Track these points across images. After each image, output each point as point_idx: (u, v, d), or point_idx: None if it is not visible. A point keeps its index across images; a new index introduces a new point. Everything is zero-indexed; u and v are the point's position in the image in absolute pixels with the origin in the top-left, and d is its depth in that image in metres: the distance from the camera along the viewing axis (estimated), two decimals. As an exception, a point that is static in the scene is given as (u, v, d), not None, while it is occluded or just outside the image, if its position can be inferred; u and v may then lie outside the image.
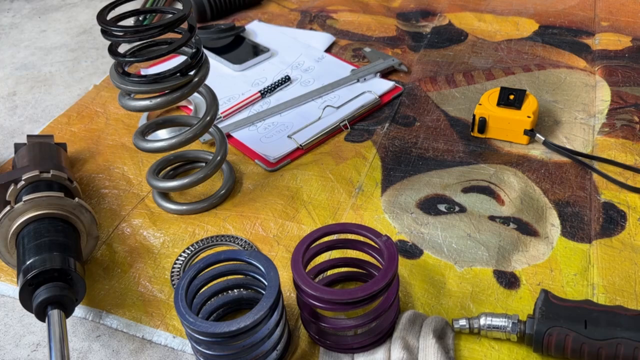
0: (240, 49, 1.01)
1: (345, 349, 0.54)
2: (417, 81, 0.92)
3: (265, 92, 0.90)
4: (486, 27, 1.05)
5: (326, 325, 0.53)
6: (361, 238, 0.56)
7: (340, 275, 0.60)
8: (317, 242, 0.56)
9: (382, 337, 0.54)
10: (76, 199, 0.62)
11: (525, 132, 0.76)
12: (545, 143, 0.76)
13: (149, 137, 0.70)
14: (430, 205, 0.69)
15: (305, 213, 0.70)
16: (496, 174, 0.73)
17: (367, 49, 0.99)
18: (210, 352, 0.49)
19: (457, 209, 0.69)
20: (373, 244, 0.55)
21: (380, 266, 0.54)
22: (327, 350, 0.54)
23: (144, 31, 0.60)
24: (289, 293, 0.60)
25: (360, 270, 0.60)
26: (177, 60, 0.94)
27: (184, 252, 0.66)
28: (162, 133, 0.78)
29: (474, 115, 0.78)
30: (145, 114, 0.87)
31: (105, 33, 0.61)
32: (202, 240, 0.67)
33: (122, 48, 0.65)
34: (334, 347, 0.54)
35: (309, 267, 0.58)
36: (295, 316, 0.58)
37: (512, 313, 0.54)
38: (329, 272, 0.61)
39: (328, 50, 1.01)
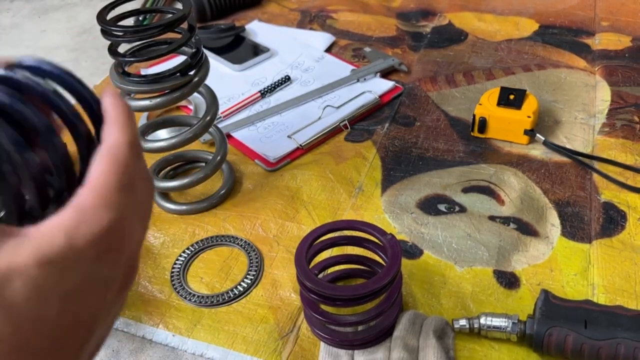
0: (240, 48, 1.01)
1: (346, 345, 0.54)
2: (417, 81, 0.92)
3: (265, 92, 0.90)
4: (486, 27, 1.05)
5: (328, 321, 0.53)
6: (366, 235, 0.56)
7: (344, 272, 0.61)
8: (322, 239, 0.56)
9: (383, 335, 0.54)
10: (76, 199, 0.62)
11: (526, 132, 0.76)
12: (545, 143, 0.76)
13: (149, 137, 0.69)
14: (431, 205, 0.69)
15: (305, 213, 0.70)
16: (496, 174, 0.73)
17: (367, 49, 0.99)
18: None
19: (457, 209, 0.69)
20: (377, 241, 0.55)
21: (384, 264, 0.54)
22: (328, 346, 0.54)
23: (144, 31, 0.60)
24: (288, 293, 0.60)
25: (364, 268, 0.60)
26: (177, 60, 0.94)
27: (183, 252, 0.66)
28: (162, 133, 0.78)
29: (474, 115, 0.78)
30: (145, 114, 0.87)
31: (105, 33, 0.61)
32: (202, 240, 0.67)
33: (122, 48, 0.65)
34: (335, 342, 0.54)
35: (312, 264, 0.58)
36: (297, 312, 0.58)
37: (512, 313, 0.54)
38: (333, 269, 0.61)
39: (328, 50, 1.01)
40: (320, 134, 0.80)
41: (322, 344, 0.55)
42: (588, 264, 0.61)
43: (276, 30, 1.07)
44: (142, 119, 0.86)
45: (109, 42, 0.63)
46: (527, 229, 0.65)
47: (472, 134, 0.79)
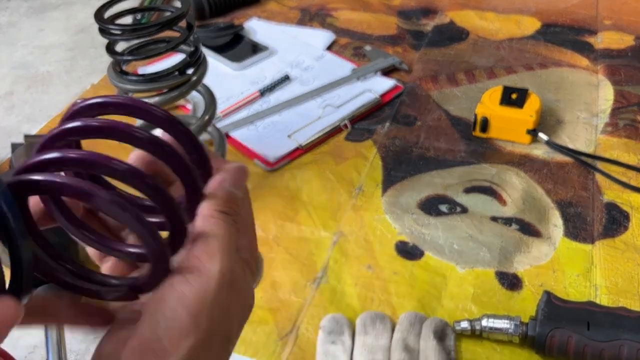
0: (239, 47, 1.00)
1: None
2: (418, 80, 0.91)
3: (265, 91, 0.89)
4: (488, 26, 1.05)
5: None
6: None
7: None
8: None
9: None
10: (73, 199, 0.61)
11: (528, 132, 0.75)
12: (547, 143, 0.75)
13: (147, 137, 0.69)
14: (432, 206, 0.69)
15: (305, 214, 0.69)
16: (498, 174, 0.72)
17: (368, 48, 0.99)
18: None
19: (458, 209, 0.68)
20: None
21: None
22: (325, 347, 0.54)
23: (142, 29, 0.59)
24: (288, 295, 0.60)
25: None
26: (175, 58, 0.93)
27: (182, 252, 0.65)
28: (160, 132, 0.77)
29: (475, 115, 0.77)
30: (144, 113, 0.86)
31: (103, 31, 0.60)
32: (200, 240, 0.66)
33: (120, 46, 0.64)
34: None
35: None
36: (297, 313, 0.58)
37: (514, 314, 0.53)
38: None
39: (328, 48, 1.01)
40: (320, 134, 0.79)
41: (319, 343, 0.54)
42: (591, 264, 0.61)
43: (276, 29, 1.07)
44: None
45: (106, 41, 0.62)
46: (529, 230, 0.65)
47: (473, 133, 0.79)
